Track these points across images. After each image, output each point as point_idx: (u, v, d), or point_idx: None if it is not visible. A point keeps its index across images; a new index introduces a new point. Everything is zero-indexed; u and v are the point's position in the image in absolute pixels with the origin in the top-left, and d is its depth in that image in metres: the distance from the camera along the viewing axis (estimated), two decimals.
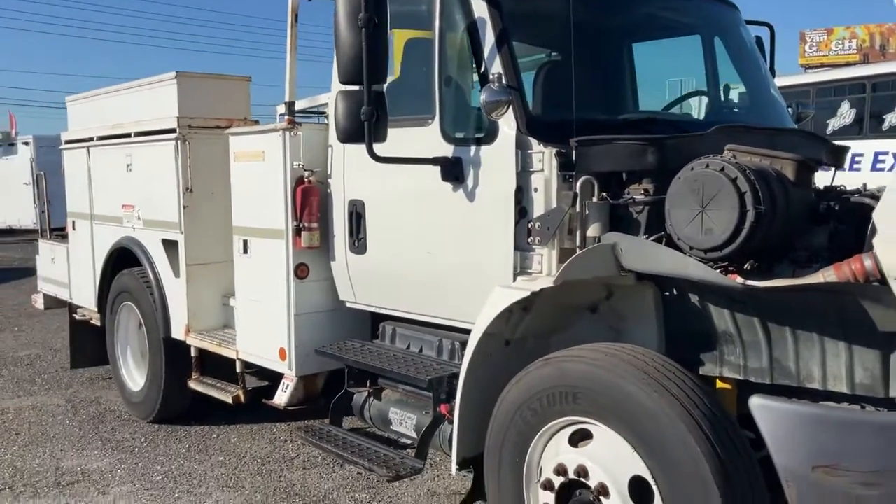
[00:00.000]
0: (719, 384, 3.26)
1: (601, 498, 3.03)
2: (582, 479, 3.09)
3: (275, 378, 5.04)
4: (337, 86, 3.72)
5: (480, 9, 3.76)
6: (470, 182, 3.77)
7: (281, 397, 4.84)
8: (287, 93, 4.60)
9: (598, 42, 4.40)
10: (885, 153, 11.52)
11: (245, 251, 5.03)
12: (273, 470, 5.30)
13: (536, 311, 3.58)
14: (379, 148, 3.67)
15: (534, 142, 3.56)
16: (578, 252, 3.34)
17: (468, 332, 3.61)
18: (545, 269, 3.54)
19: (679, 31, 4.91)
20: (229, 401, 5.41)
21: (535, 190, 3.55)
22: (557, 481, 3.19)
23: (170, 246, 5.73)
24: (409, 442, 4.22)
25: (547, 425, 3.23)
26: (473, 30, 3.78)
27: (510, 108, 3.53)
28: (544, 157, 3.52)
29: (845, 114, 12.65)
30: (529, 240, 3.57)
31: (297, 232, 4.54)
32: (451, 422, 3.71)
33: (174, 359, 5.87)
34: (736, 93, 4.80)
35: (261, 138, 4.84)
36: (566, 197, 3.48)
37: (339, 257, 4.56)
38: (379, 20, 3.50)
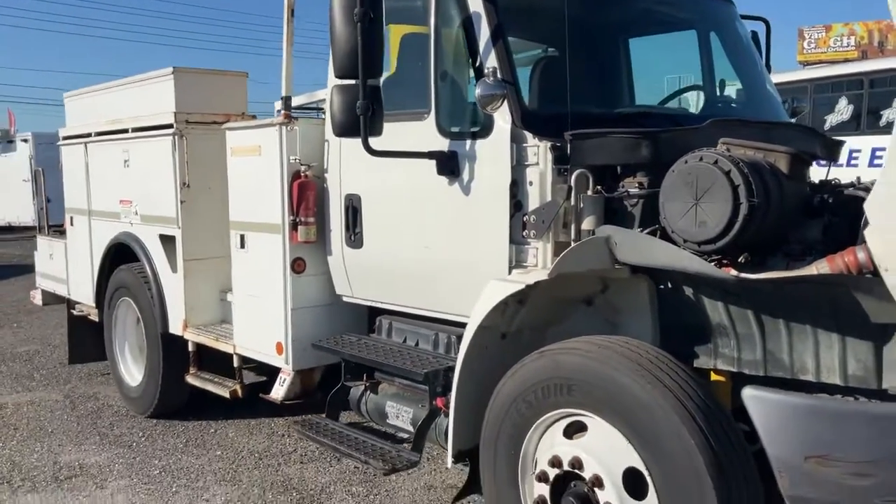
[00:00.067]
0: (713, 377, 3.27)
1: (595, 490, 3.04)
2: (577, 471, 3.11)
3: (272, 373, 5.06)
4: (332, 80, 3.72)
5: (475, 3, 3.78)
6: (465, 176, 3.78)
7: (278, 391, 4.86)
8: (283, 88, 4.62)
9: (593, 37, 4.41)
10: (883, 149, 11.48)
11: (242, 246, 5.05)
12: (270, 464, 5.31)
13: (532, 304, 3.59)
14: (375, 142, 3.68)
15: (529, 135, 3.57)
16: (573, 245, 3.36)
17: (464, 325, 3.62)
18: (540, 262, 3.55)
19: (675, 27, 4.92)
20: (227, 395, 5.42)
21: (530, 183, 3.57)
22: (552, 473, 3.20)
23: (167, 241, 5.74)
24: (406, 436, 4.23)
25: (542, 417, 3.25)
26: (469, 24, 3.79)
27: (505, 102, 3.55)
28: (539, 151, 3.53)
29: (843, 110, 12.66)
30: (524, 233, 3.58)
31: (294, 226, 4.56)
32: (447, 415, 3.72)
33: (172, 354, 5.89)
34: (732, 88, 4.81)
35: (257, 133, 4.85)
36: (561, 190, 3.49)
37: (336, 252, 4.57)
38: (374, 14, 3.51)
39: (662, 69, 5.03)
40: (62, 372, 7.79)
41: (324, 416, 4.59)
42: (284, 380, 4.83)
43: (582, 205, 3.40)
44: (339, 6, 3.52)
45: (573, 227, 3.45)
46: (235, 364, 5.37)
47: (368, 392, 4.50)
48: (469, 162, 3.77)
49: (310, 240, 4.59)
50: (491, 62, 3.66)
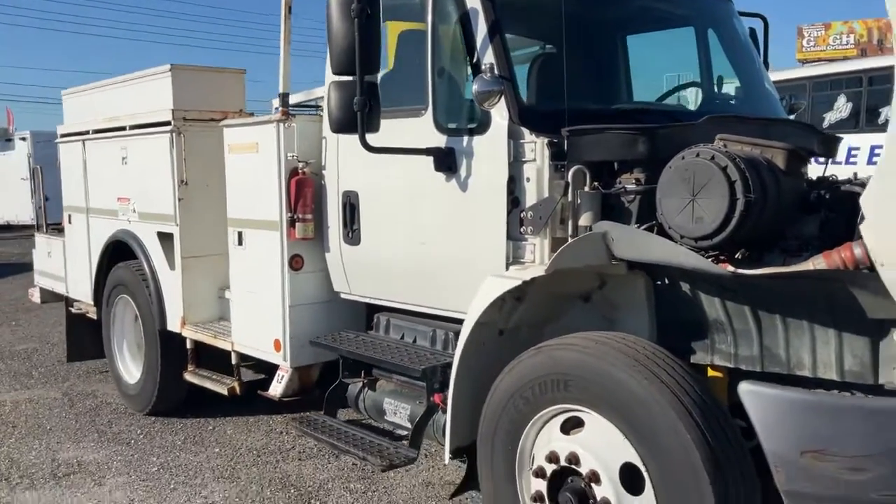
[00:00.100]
0: (710, 372, 3.27)
1: (592, 485, 3.05)
2: (573, 467, 3.11)
3: (270, 371, 5.05)
4: (330, 76, 3.72)
5: (473, 0, 3.77)
6: (462, 172, 3.79)
7: (276, 388, 4.86)
8: (281, 84, 4.61)
9: (590, 34, 4.40)
10: (882, 147, 11.50)
11: (240, 243, 5.04)
12: (268, 461, 5.31)
13: (529, 300, 3.59)
14: (372, 139, 3.68)
15: (526, 132, 3.57)
16: (570, 241, 3.36)
17: (462, 321, 3.62)
18: (537, 258, 3.56)
19: (672, 23, 4.92)
20: (225, 392, 5.42)
21: (528, 180, 3.57)
22: (549, 469, 3.21)
23: (165, 238, 5.74)
24: (404, 433, 4.23)
25: (539, 413, 3.25)
26: (466, 20, 3.79)
27: (502, 98, 3.54)
28: (536, 147, 3.54)
29: (842, 108, 12.65)
30: (522, 229, 3.59)
31: (292, 223, 4.56)
32: (444, 411, 3.72)
33: (170, 351, 5.89)
34: (729, 84, 4.81)
35: (255, 130, 4.85)
36: (558, 186, 3.50)
37: (334, 248, 4.57)
38: (371, 10, 3.52)
39: (660, 66, 5.03)
40: (60, 370, 7.79)
41: (322, 412, 4.60)
42: (282, 377, 4.83)
43: (579, 201, 3.40)
44: (337, 3, 3.52)
45: (570, 223, 3.46)
46: (233, 361, 5.37)
47: (366, 389, 4.50)
48: (466, 158, 3.77)
49: (307, 237, 4.59)
50: (488, 58, 3.66)
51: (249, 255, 4.99)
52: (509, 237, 3.63)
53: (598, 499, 3.03)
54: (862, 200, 2.64)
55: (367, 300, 4.64)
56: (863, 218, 2.72)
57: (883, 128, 11.87)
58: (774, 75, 5.01)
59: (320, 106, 5.11)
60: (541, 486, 3.25)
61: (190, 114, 5.52)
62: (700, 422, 2.78)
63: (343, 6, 3.50)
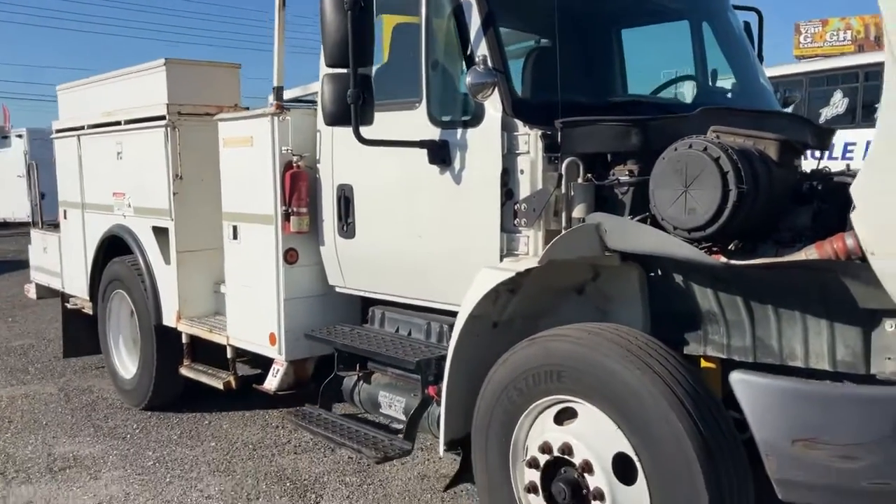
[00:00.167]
0: (703, 363, 3.28)
1: (585, 475, 3.06)
2: (567, 457, 3.13)
3: (266, 366, 5.05)
4: (323, 69, 3.72)
5: None
6: (456, 165, 3.79)
7: (271, 382, 4.86)
8: (275, 78, 4.61)
9: (584, 26, 4.41)
10: None
11: (235, 237, 5.04)
12: (264, 455, 5.32)
13: (523, 292, 3.60)
14: (366, 131, 3.68)
15: (519, 124, 3.57)
16: (563, 232, 3.36)
17: (456, 314, 3.63)
18: (531, 250, 3.56)
19: (667, 17, 4.92)
20: (220, 387, 5.42)
21: (521, 172, 3.57)
22: (543, 459, 3.22)
23: (160, 233, 5.74)
24: (399, 426, 4.24)
25: (533, 404, 3.26)
26: (459, 13, 3.79)
27: (496, 91, 3.54)
28: (530, 140, 3.54)
29: (838, 103, 12.66)
30: (515, 221, 3.59)
31: (287, 217, 4.56)
32: (439, 403, 3.73)
33: (165, 346, 5.89)
34: (724, 78, 4.81)
35: (249, 124, 4.85)
36: (552, 178, 3.50)
37: (328, 242, 4.57)
38: (364, 3, 3.52)
39: (655, 60, 5.03)
40: (57, 365, 7.79)
41: (317, 406, 4.60)
42: (278, 370, 4.84)
43: (573, 193, 3.40)
44: None
45: (564, 215, 3.45)
46: (229, 355, 5.37)
47: (361, 382, 4.51)
48: (460, 151, 3.77)
49: (302, 230, 4.59)
50: (481, 50, 3.66)
51: (244, 249, 4.99)
52: (503, 229, 3.63)
53: (591, 489, 3.04)
54: (852, 189, 2.65)
55: (361, 293, 4.64)
56: (853, 207, 2.73)
57: None
58: (770, 71, 5.02)
59: (316, 101, 5.12)
60: (534, 476, 3.26)
61: (185, 108, 5.52)
62: (692, 411, 2.79)
63: None
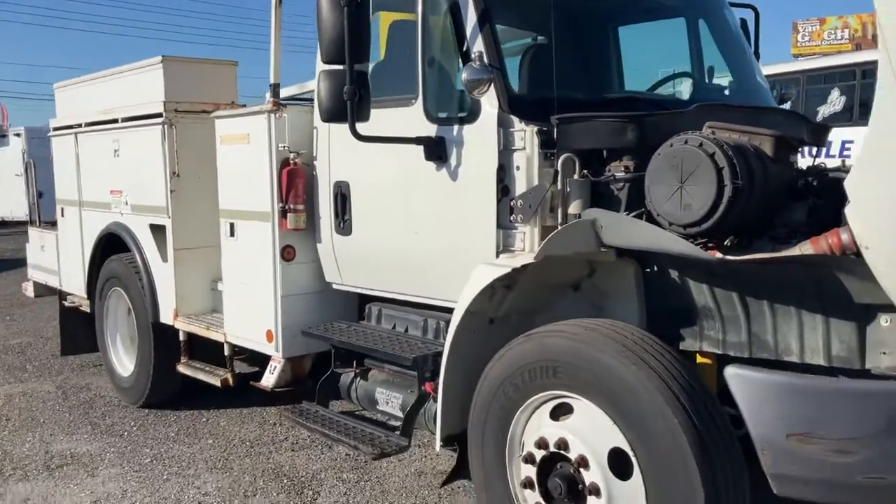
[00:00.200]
0: (699, 359, 3.29)
1: (581, 470, 3.07)
2: (563, 452, 3.13)
3: (263, 363, 5.05)
4: (320, 66, 3.73)
5: None
6: (453, 161, 3.79)
7: (268, 379, 4.86)
8: (272, 75, 4.61)
9: (580, 23, 4.41)
10: None
11: (232, 234, 5.05)
12: (262, 452, 5.32)
13: (519, 288, 3.60)
14: (362, 128, 3.68)
15: (515, 120, 3.58)
16: (559, 228, 3.37)
17: (453, 310, 3.63)
18: (527, 246, 3.56)
19: (664, 14, 4.93)
20: (218, 384, 5.42)
21: (517, 168, 3.57)
22: (539, 455, 3.22)
23: (157, 231, 5.74)
24: (397, 423, 4.24)
25: (529, 400, 3.27)
26: (455, 9, 3.79)
27: (492, 87, 3.55)
28: (526, 136, 3.54)
29: (835, 101, 12.67)
30: (512, 218, 3.59)
31: (283, 214, 4.56)
32: (435, 399, 3.74)
33: (163, 343, 5.89)
34: (720, 75, 4.82)
35: (246, 121, 4.85)
36: (548, 174, 3.50)
37: (325, 239, 4.58)
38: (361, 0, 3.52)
39: (651, 57, 5.03)
40: (54, 363, 7.79)
41: (314, 403, 4.61)
42: (275, 367, 4.84)
43: (569, 189, 3.41)
44: None
45: (560, 211, 3.47)
46: (226, 353, 5.37)
47: (358, 379, 4.51)
48: (456, 147, 3.78)
49: (299, 227, 4.59)
50: (478, 47, 3.66)
51: (241, 246, 4.99)
52: (499, 226, 3.63)
53: (587, 484, 3.05)
54: (846, 184, 2.66)
55: (358, 290, 4.65)
56: (848, 203, 2.74)
57: None
58: (768, 69, 5.03)
59: (313, 99, 5.13)
60: (530, 472, 3.27)
61: (182, 105, 5.52)
62: (687, 406, 2.79)
63: None
